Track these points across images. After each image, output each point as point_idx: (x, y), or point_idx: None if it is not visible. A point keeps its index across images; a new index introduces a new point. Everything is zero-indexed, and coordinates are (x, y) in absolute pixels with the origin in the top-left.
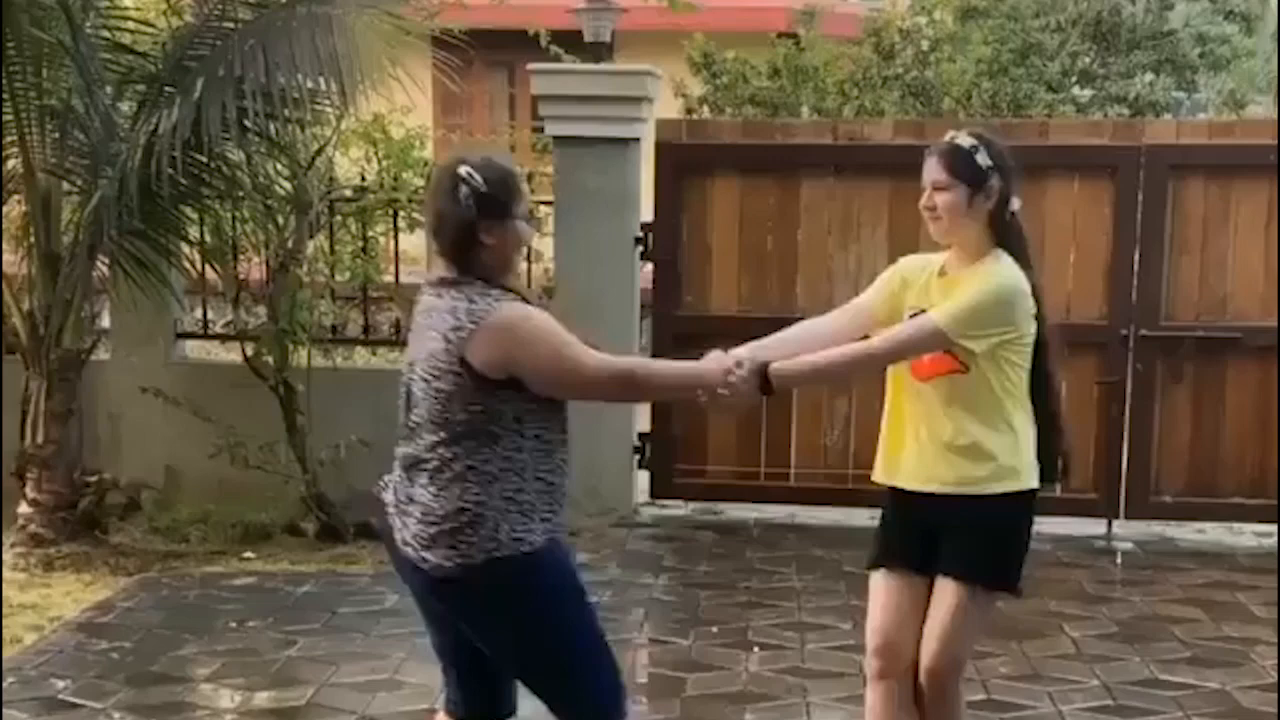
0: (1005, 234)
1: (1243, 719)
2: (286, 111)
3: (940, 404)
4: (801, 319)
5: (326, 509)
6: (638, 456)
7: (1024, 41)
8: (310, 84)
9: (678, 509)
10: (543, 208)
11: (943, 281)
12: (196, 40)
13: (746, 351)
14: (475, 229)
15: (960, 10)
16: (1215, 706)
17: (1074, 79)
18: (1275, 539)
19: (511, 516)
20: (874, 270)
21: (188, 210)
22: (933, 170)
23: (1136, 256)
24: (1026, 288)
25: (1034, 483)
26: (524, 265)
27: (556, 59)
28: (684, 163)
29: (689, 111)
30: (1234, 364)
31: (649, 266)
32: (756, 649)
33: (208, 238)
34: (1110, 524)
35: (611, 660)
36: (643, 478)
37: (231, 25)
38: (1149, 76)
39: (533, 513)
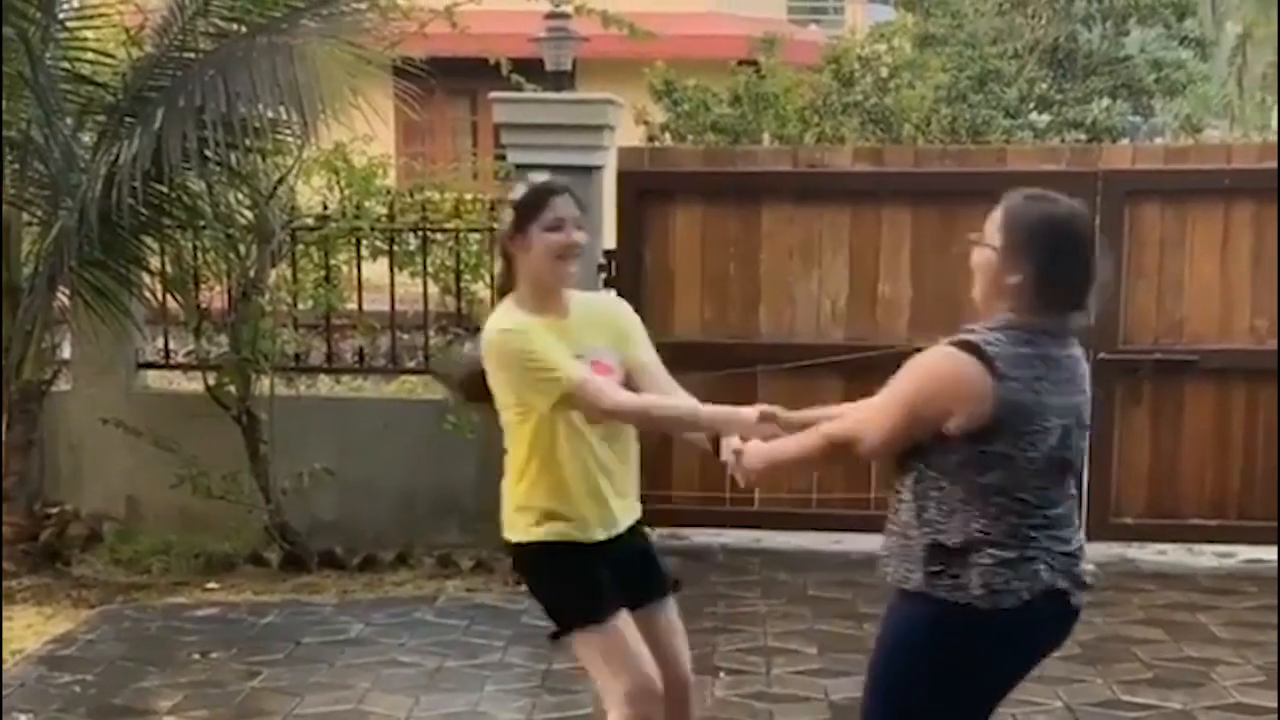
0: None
1: None
2: (248, 141)
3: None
4: (765, 345)
5: (290, 538)
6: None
7: (982, 68)
8: (271, 113)
9: None
10: None
11: None
12: (156, 71)
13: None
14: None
15: (919, 37)
16: None
17: (1031, 105)
18: (1235, 560)
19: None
20: (836, 295)
21: (149, 240)
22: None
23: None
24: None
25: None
26: (485, 292)
27: (518, 87)
28: (646, 190)
29: (651, 139)
30: (1191, 386)
31: (612, 293)
32: (722, 674)
33: (169, 267)
34: None
35: None
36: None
37: (192, 55)
38: (1105, 102)
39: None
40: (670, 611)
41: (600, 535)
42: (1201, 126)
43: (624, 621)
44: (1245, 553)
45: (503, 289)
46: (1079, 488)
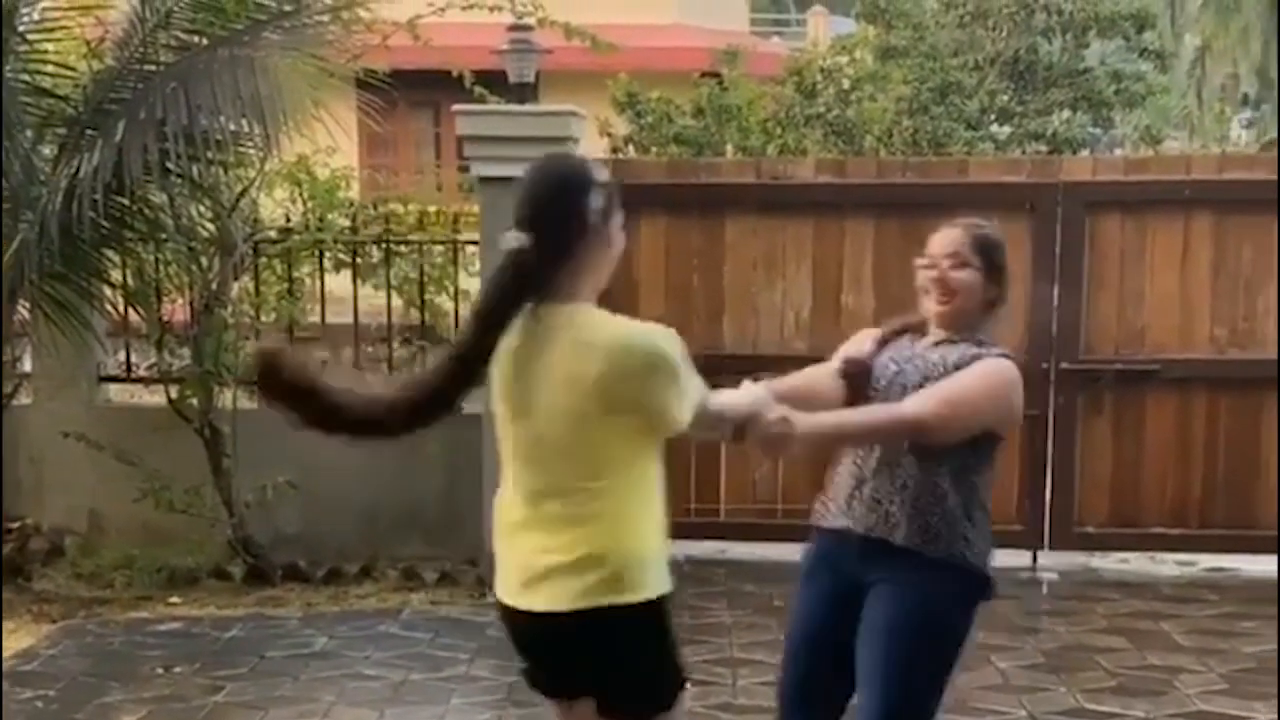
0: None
1: None
2: (209, 153)
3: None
4: (729, 356)
5: (253, 551)
6: None
7: (943, 80)
8: (233, 126)
9: None
10: (469, 248)
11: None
12: (118, 83)
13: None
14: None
15: (880, 50)
16: None
17: (992, 117)
18: (1197, 568)
19: None
20: (800, 306)
21: (110, 253)
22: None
23: (1055, 291)
24: None
25: None
26: (449, 304)
27: (481, 100)
28: None
29: (614, 151)
30: (1153, 396)
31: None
32: (688, 685)
33: (130, 280)
34: (1035, 555)
35: None
36: None
37: (153, 68)
38: (1066, 113)
39: None
40: None
41: None
42: (1161, 138)
43: None
44: (1206, 561)
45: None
46: None
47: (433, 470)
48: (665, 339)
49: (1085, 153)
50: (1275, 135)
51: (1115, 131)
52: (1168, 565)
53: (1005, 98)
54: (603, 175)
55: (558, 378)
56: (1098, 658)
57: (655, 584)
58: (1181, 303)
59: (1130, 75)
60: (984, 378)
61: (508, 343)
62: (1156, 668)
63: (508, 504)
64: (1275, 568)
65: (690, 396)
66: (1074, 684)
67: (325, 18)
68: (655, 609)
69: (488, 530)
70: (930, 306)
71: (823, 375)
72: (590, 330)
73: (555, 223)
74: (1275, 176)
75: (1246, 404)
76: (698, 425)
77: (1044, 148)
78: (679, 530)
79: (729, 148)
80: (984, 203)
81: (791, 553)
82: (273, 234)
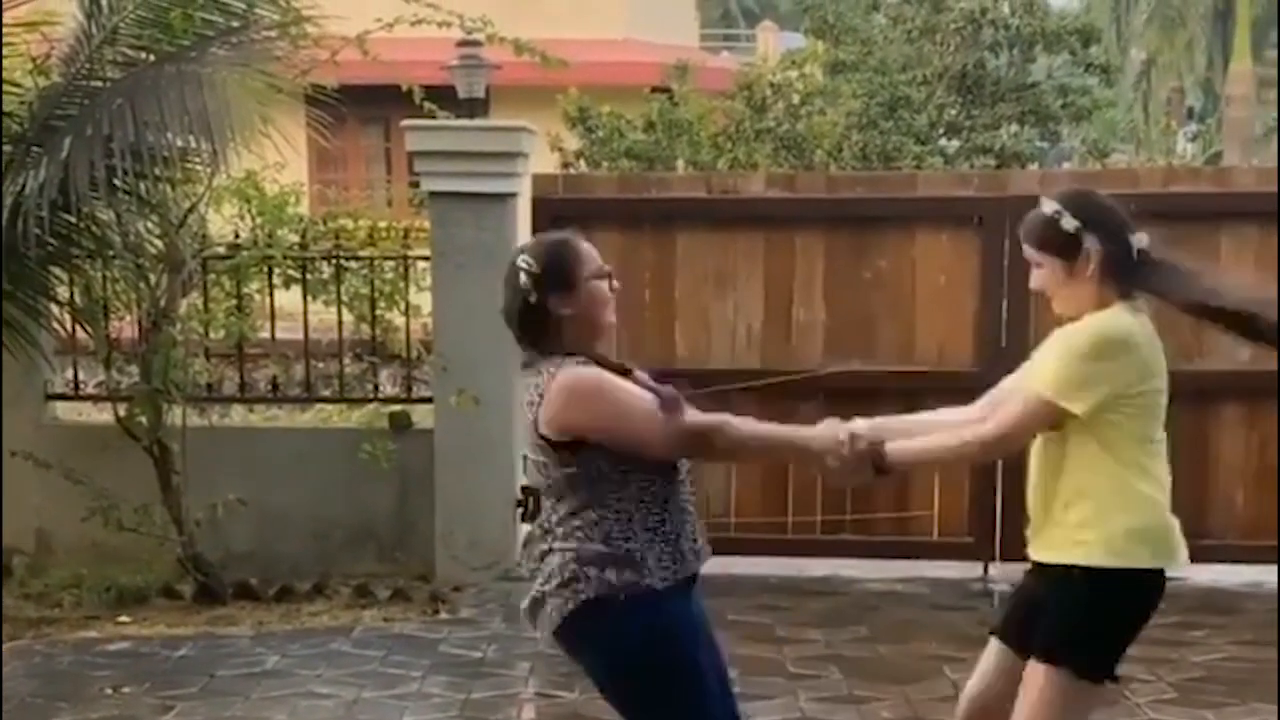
0: (1135, 280)
1: None
2: (157, 170)
3: (1044, 467)
4: (680, 370)
5: (204, 570)
6: (521, 509)
7: (892, 95)
8: (180, 142)
9: None
10: (420, 263)
11: (1055, 338)
12: (64, 100)
13: (867, 426)
14: (546, 308)
15: (829, 64)
16: None
17: (941, 131)
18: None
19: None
20: (751, 320)
21: (57, 270)
22: (1025, 249)
23: (1004, 304)
24: (1139, 338)
25: (1128, 560)
26: (400, 320)
27: (431, 115)
28: (561, 217)
29: (565, 165)
30: None
31: None
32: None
33: (78, 298)
34: (987, 567)
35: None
36: (526, 531)
37: (99, 84)
38: (1014, 127)
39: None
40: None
41: None
42: (1108, 151)
43: None
44: None
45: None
46: None
47: (384, 487)
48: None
49: (1033, 166)
50: (1219, 149)
51: (1063, 145)
52: None
53: (954, 112)
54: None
55: None
56: None
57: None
58: None
59: (1077, 89)
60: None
61: None
62: None
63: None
64: (1226, 578)
65: None
66: None
67: (273, 33)
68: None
69: (440, 547)
70: None
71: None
72: None
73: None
74: (1219, 190)
75: (1195, 415)
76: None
77: (992, 161)
78: None
79: (680, 162)
80: (933, 217)
81: (745, 566)
82: (221, 250)
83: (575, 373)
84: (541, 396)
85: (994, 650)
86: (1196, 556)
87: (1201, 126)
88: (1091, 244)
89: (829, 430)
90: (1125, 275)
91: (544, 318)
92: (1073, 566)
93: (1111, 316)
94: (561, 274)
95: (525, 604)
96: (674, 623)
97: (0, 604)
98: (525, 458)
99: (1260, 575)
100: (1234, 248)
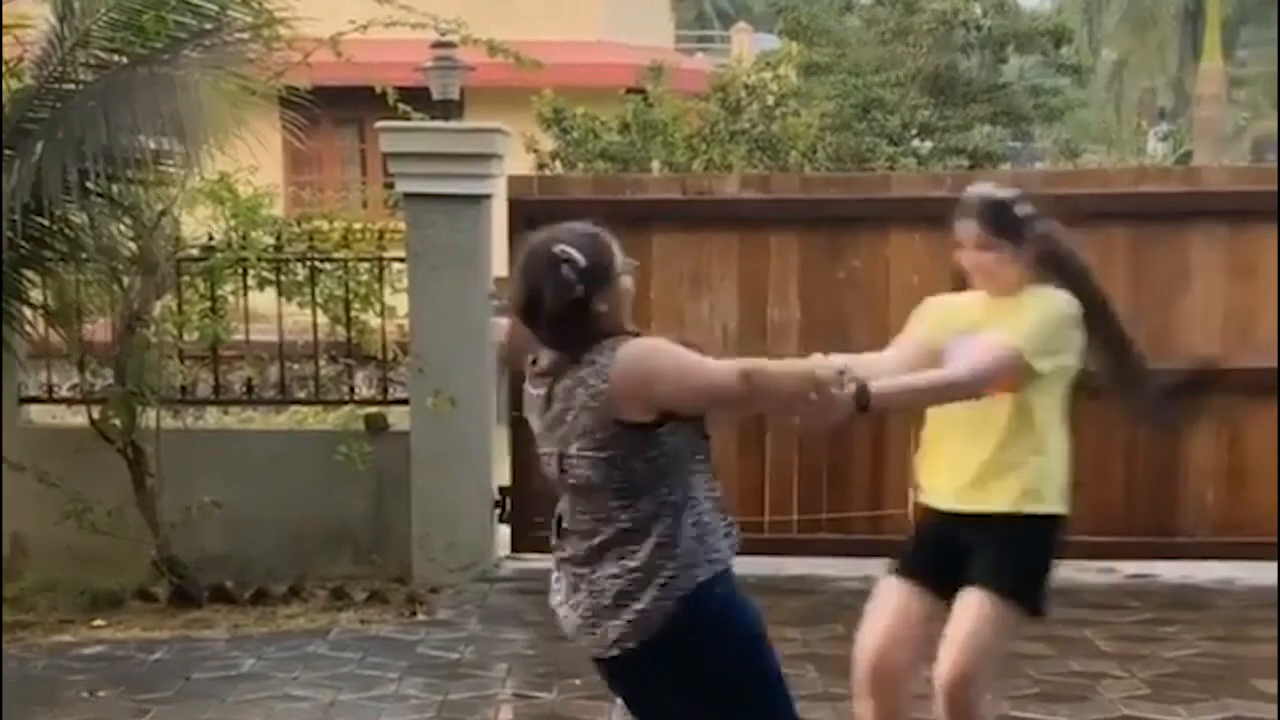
0: (1058, 268)
1: None
2: (130, 172)
3: (985, 424)
4: None
5: (179, 573)
6: (498, 510)
7: (865, 96)
8: (153, 144)
9: (539, 562)
10: (395, 265)
11: (996, 305)
12: (36, 102)
13: (844, 361)
14: (589, 305)
15: (804, 66)
16: None
17: (914, 132)
18: (1119, 575)
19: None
20: (726, 321)
21: (29, 274)
22: (971, 231)
23: None
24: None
25: (1060, 509)
26: (376, 322)
27: (405, 117)
28: (536, 218)
29: (540, 167)
30: (1073, 406)
31: (505, 321)
32: (619, 701)
33: (51, 301)
34: None
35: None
36: (503, 532)
37: (72, 87)
38: (986, 128)
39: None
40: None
41: None
42: (1080, 151)
43: None
44: (1128, 568)
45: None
46: None
47: (360, 489)
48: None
49: (1006, 166)
50: (1190, 148)
51: (1035, 145)
52: (1090, 573)
53: (926, 113)
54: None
55: None
56: (1022, 665)
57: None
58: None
59: (1048, 90)
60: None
61: None
62: (1080, 674)
63: None
64: (1197, 574)
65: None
66: (1000, 691)
67: (246, 35)
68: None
69: (417, 548)
70: None
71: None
72: None
73: None
74: (1188, 189)
75: None
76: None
77: (965, 162)
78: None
79: (655, 163)
80: (906, 217)
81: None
82: (195, 252)
83: (638, 343)
84: (605, 383)
85: (898, 594)
86: (1168, 553)
87: (1172, 126)
88: (1038, 230)
89: (825, 364)
90: (1052, 262)
91: (585, 315)
92: (1029, 515)
93: (1066, 295)
94: (602, 268)
95: (585, 618)
96: (745, 596)
97: (0, 605)
98: (561, 462)
99: (1230, 572)
100: (1203, 246)
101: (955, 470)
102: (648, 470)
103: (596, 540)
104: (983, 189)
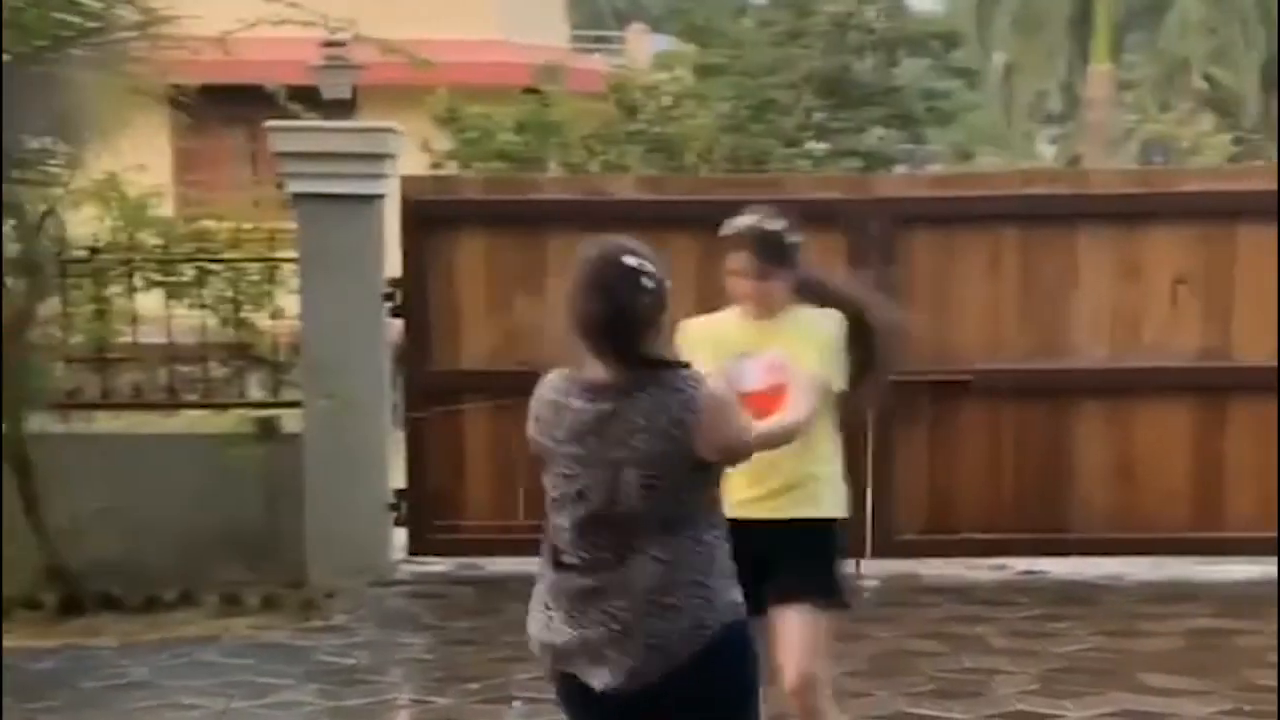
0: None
1: None
2: (13, 172)
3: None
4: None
5: (67, 580)
6: (394, 513)
7: (761, 98)
8: (37, 144)
9: (436, 565)
10: (287, 265)
11: (759, 326)
12: None
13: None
14: (659, 321)
15: (699, 67)
16: None
17: (809, 134)
18: (1010, 572)
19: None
20: None
21: None
22: (748, 262)
23: None
24: None
25: (845, 513)
26: (267, 323)
27: (295, 116)
28: (429, 218)
29: (435, 167)
30: (965, 406)
31: (399, 322)
32: (517, 703)
33: None
34: (858, 563)
35: None
36: (399, 535)
37: None
38: (880, 130)
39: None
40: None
41: None
42: (973, 154)
43: None
44: (1020, 564)
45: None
46: None
47: (253, 492)
48: (678, 335)
49: (900, 169)
50: (1080, 151)
51: (929, 148)
52: (983, 570)
53: (821, 115)
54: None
55: None
56: (918, 662)
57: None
58: (991, 315)
59: (940, 93)
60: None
61: None
62: (973, 670)
63: None
64: (1087, 570)
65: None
66: (895, 688)
67: (132, 34)
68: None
69: (311, 552)
70: None
71: None
72: None
73: None
74: (1077, 191)
75: (1054, 412)
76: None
77: (859, 164)
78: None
79: (551, 164)
80: (800, 219)
81: None
82: (81, 253)
83: (718, 385)
84: (694, 415)
85: None
86: (1058, 550)
87: (1062, 129)
88: (800, 254)
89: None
90: (814, 286)
91: (654, 332)
92: (834, 519)
93: (835, 314)
94: (666, 285)
95: (601, 650)
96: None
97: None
98: (609, 486)
99: (1119, 567)
100: (1091, 248)
101: (758, 481)
102: (696, 506)
103: (624, 570)
104: (752, 220)
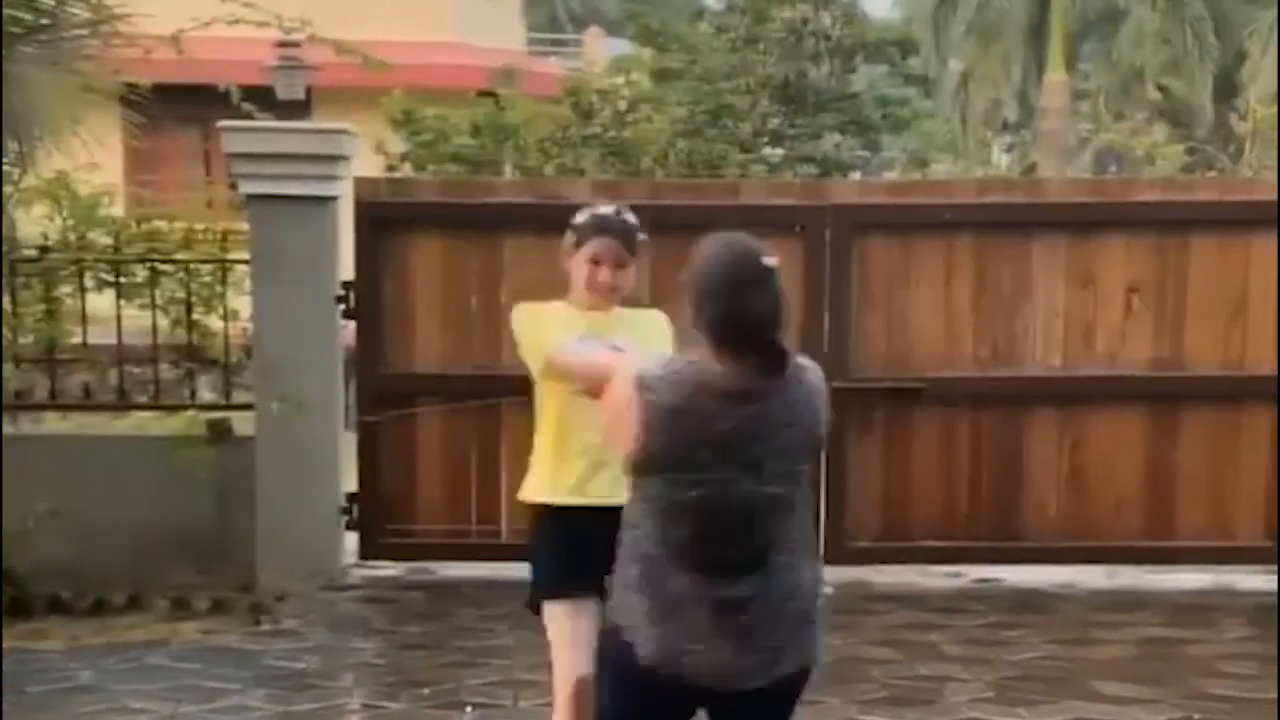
0: None
1: None
2: None
3: (593, 415)
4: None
5: (13, 583)
6: (345, 517)
7: (717, 103)
8: None
9: (388, 570)
10: (239, 267)
11: (593, 319)
12: None
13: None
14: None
15: (655, 71)
16: None
17: (765, 139)
18: (964, 580)
19: None
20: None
21: None
22: (616, 249)
23: (826, 312)
24: None
25: None
26: (219, 324)
27: (249, 116)
28: (383, 220)
29: (390, 169)
30: (919, 413)
31: (353, 325)
32: (469, 709)
33: None
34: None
35: None
36: (351, 539)
37: None
38: (836, 137)
39: None
40: None
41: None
42: (928, 161)
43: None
44: (974, 572)
45: None
46: None
47: (203, 495)
48: (517, 311)
49: (856, 175)
50: (1035, 160)
51: (885, 154)
52: (937, 578)
53: (777, 121)
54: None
55: None
56: (870, 669)
57: (524, 497)
58: (946, 322)
59: (896, 100)
60: None
61: None
62: (926, 678)
63: None
64: (1040, 578)
65: (534, 353)
66: (848, 695)
67: (84, 31)
68: (533, 512)
69: (261, 556)
70: None
71: None
72: None
73: None
74: (1032, 200)
75: (1008, 420)
76: (553, 375)
77: (815, 170)
78: (461, 552)
79: (507, 167)
80: (755, 224)
81: None
82: (31, 252)
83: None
84: (823, 402)
85: (586, 611)
86: (1012, 558)
87: (1016, 137)
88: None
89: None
90: None
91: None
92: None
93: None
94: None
95: (749, 647)
96: None
97: (1, 598)
98: (756, 479)
99: (1072, 576)
100: (1045, 256)
101: (593, 463)
102: (806, 489)
103: (771, 562)
104: (610, 209)
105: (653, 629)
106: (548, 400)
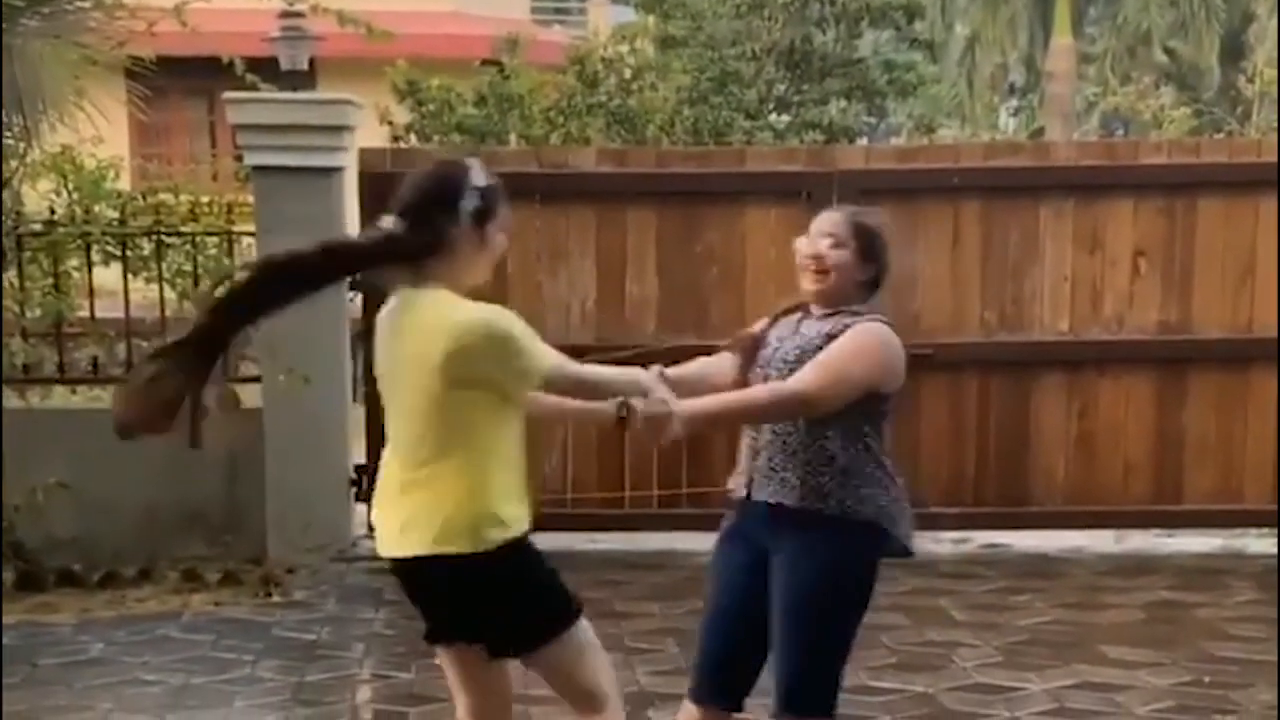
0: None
1: None
2: None
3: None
4: None
5: (24, 557)
6: (354, 489)
7: (722, 70)
8: None
9: None
10: (245, 239)
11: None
12: None
13: (671, 376)
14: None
15: (660, 39)
16: (921, 709)
17: (771, 106)
18: (973, 545)
19: None
20: (585, 296)
21: None
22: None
23: None
24: None
25: None
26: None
27: (253, 87)
28: (388, 192)
29: (395, 139)
30: (927, 379)
31: (359, 296)
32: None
33: None
34: None
35: None
36: (360, 510)
37: None
38: (842, 103)
39: None
40: None
41: None
42: (935, 126)
43: None
44: (982, 537)
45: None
46: None
47: (213, 468)
48: (501, 316)
49: (862, 141)
50: (1041, 124)
51: (891, 120)
52: (945, 543)
53: (783, 87)
54: (483, 181)
55: (409, 356)
56: (880, 635)
57: (506, 536)
58: (953, 287)
59: (902, 65)
60: (853, 341)
61: (381, 320)
62: (935, 643)
63: (387, 464)
64: (1048, 543)
65: (537, 362)
66: (857, 661)
67: (87, 4)
68: (506, 558)
69: (271, 528)
70: (807, 285)
71: (715, 361)
72: (435, 314)
73: (427, 217)
74: (1039, 164)
75: (1016, 385)
76: (567, 390)
77: (821, 137)
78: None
79: (512, 136)
80: (762, 191)
81: (582, 541)
82: (37, 227)
83: None
84: None
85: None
86: (1019, 523)
87: (1023, 102)
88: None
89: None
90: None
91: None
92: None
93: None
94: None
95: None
96: None
97: (1, 587)
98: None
99: (1080, 540)
100: (1052, 220)
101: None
102: None
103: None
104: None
105: (900, 512)
106: (513, 420)
